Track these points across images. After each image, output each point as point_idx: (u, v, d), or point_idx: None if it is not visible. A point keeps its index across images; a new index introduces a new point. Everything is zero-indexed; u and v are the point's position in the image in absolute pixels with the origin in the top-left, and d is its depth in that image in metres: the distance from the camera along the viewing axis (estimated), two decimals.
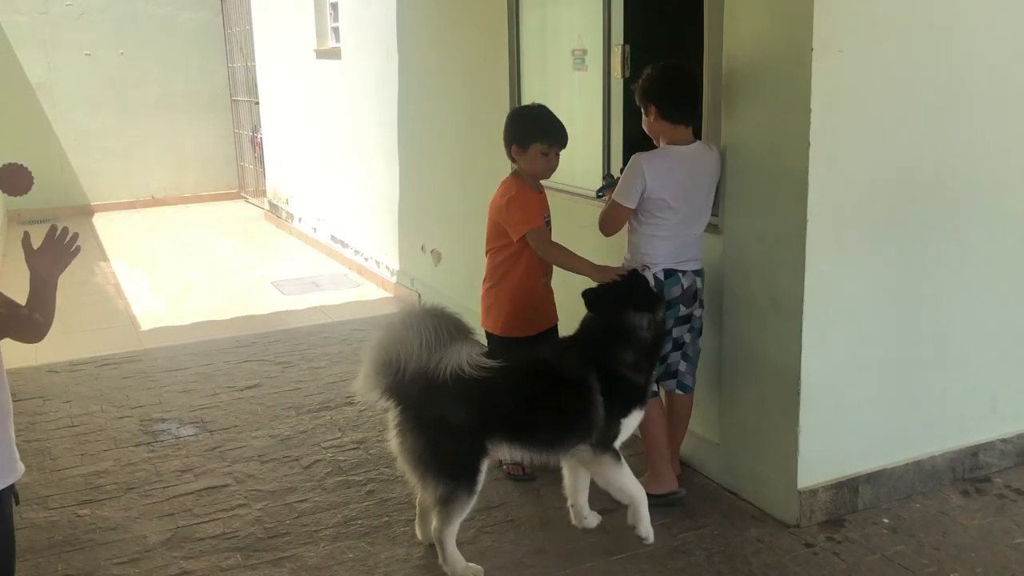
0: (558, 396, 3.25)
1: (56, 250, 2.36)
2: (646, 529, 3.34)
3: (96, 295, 7.62)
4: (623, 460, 3.30)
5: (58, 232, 2.37)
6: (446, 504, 3.11)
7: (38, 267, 2.35)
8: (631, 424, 3.34)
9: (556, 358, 3.33)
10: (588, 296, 3.32)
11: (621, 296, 3.30)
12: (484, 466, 3.17)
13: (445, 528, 3.14)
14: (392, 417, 3.17)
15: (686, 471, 3.93)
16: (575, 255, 3.58)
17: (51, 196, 11.38)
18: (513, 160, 3.76)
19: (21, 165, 2.49)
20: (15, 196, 2.60)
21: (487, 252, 3.87)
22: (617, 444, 3.30)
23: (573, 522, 3.51)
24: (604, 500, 3.45)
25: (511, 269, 3.77)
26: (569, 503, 3.52)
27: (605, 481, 3.31)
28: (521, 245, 3.67)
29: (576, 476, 3.46)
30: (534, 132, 3.69)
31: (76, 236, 2.42)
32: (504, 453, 3.31)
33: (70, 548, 3.50)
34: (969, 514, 3.56)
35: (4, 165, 2.48)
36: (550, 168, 3.74)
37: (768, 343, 3.49)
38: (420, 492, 3.22)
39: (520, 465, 3.83)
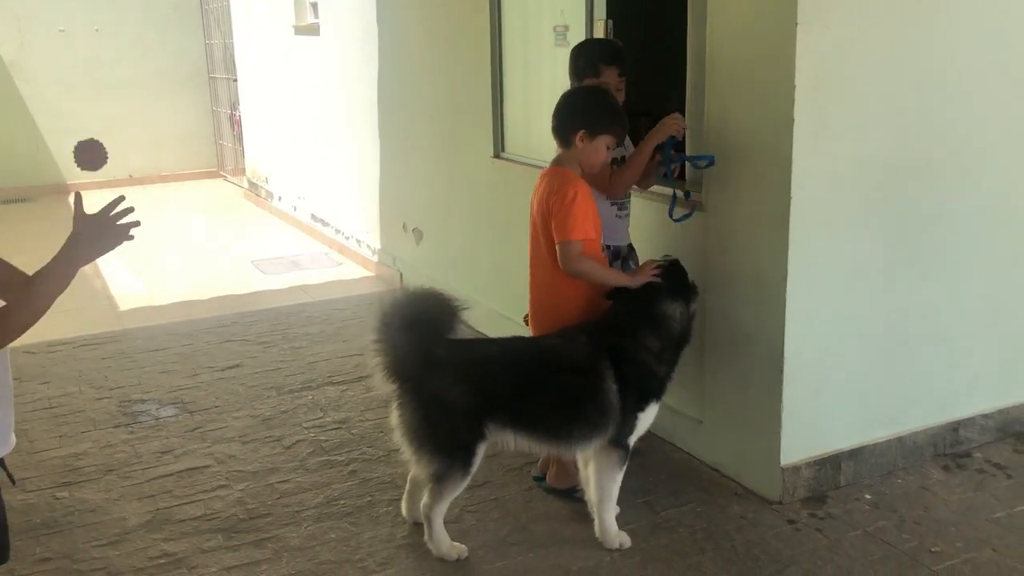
0: (564, 383, 3.14)
1: (105, 225, 2.07)
2: (611, 539, 3.23)
3: None
4: (625, 467, 3.21)
5: (119, 207, 2.08)
6: (439, 481, 3.10)
7: (82, 236, 2.04)
8: (647, 419, 3.22)
9: (563, 343, 3.20)
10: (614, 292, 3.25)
11: (659, 284, 3.20)
12: (480, 449, 3.12)
13: (435, 505, 3.13)
14: (394, 391, 3.15)
15: (666, 447, 3.94)
16: (606, 268, 3.33)
17: (26, 175, 11.24)
18: (569, 144, 3.28)
19: (95, 140, 2.39)
20: (92, 170, 2.46)
21: (534, 256, 3.43)
22: (632, 440, 3.21)
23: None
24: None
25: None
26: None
27: (597, 475, 3.21)
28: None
29: None
30: (609, 122, 3.25)
31: (133, 223, 2.12)
32: (509, 441, 3.18)
33: (48, 531, 3.46)
34: (950, 489, 3.59)
35: (81, 142, 2.38)
36: (604, 164, 3.36)
37: (752, 321, 3.48)
38: (414, 468, 3.20)
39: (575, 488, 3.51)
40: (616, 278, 3.31)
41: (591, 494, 3.28)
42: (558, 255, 3.24)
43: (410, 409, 3.10)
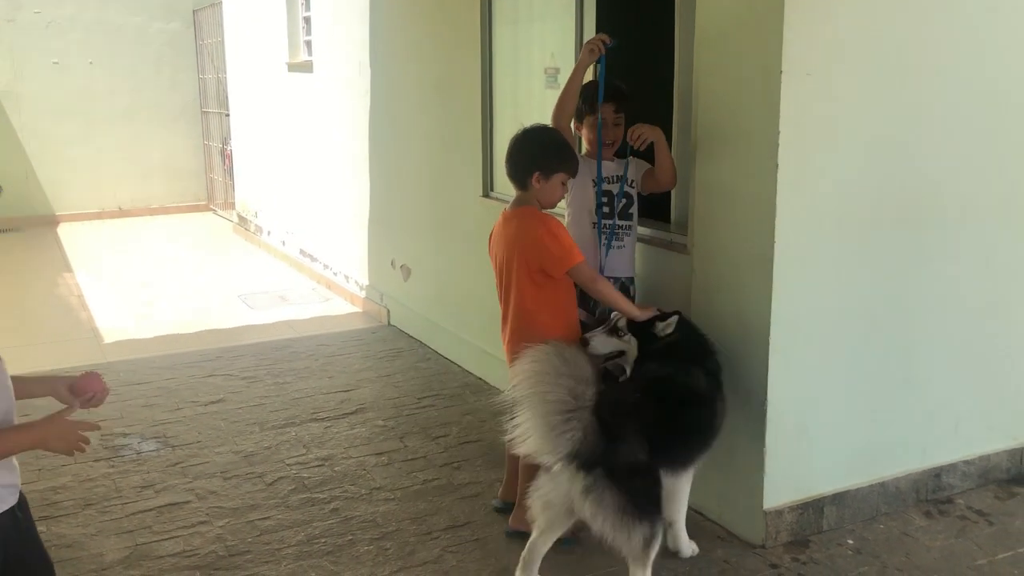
0: (698, 415, 3.23)
1: (69, 427, 2.11)
2: (686, 547, 3.43)
3: (59, 307, 7.49)
4: None
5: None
6: (648, 545, 2.97)
7: (45, 427, 2.10)
8: None
9: (681, 375, 3.21)
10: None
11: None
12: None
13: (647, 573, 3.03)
14: (579, 484, 2.90)
15: None
16: (620, 295, 3.44)
17: (16, 206, 11.22)
18: (526, 187, 3.39)
19: None
20: None
21: (510, 294, 3.44)
22: None
23: (670, 546, 3.42)
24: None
25: (556, 306, 3.41)
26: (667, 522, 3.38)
27: (681, 493, 3.36)
28: (561, 279, 3.37)
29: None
30: (561, 162, 3.39)
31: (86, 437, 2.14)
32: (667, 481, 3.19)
33: None
34: (932, 535, 3.59)
35: None
36: (561, 199, 3.54)
37: (736, 364, 3.49)
38: (619, 544, 2.96)
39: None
40: (627, 308, 3.38)
41: (669, 514, 3.33)
42: (577, 279, 3.38)
43: (612, 492, 2.89)
